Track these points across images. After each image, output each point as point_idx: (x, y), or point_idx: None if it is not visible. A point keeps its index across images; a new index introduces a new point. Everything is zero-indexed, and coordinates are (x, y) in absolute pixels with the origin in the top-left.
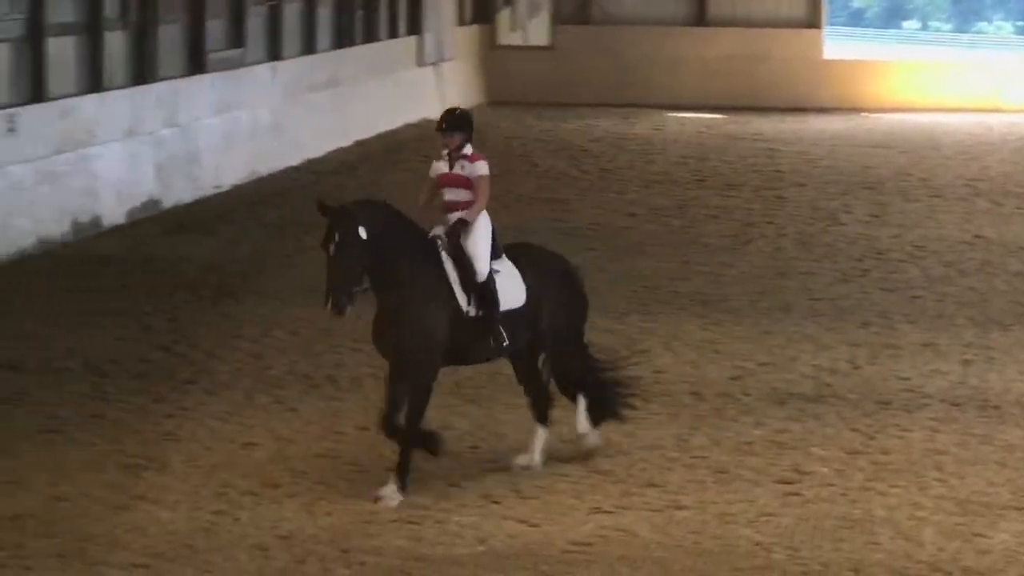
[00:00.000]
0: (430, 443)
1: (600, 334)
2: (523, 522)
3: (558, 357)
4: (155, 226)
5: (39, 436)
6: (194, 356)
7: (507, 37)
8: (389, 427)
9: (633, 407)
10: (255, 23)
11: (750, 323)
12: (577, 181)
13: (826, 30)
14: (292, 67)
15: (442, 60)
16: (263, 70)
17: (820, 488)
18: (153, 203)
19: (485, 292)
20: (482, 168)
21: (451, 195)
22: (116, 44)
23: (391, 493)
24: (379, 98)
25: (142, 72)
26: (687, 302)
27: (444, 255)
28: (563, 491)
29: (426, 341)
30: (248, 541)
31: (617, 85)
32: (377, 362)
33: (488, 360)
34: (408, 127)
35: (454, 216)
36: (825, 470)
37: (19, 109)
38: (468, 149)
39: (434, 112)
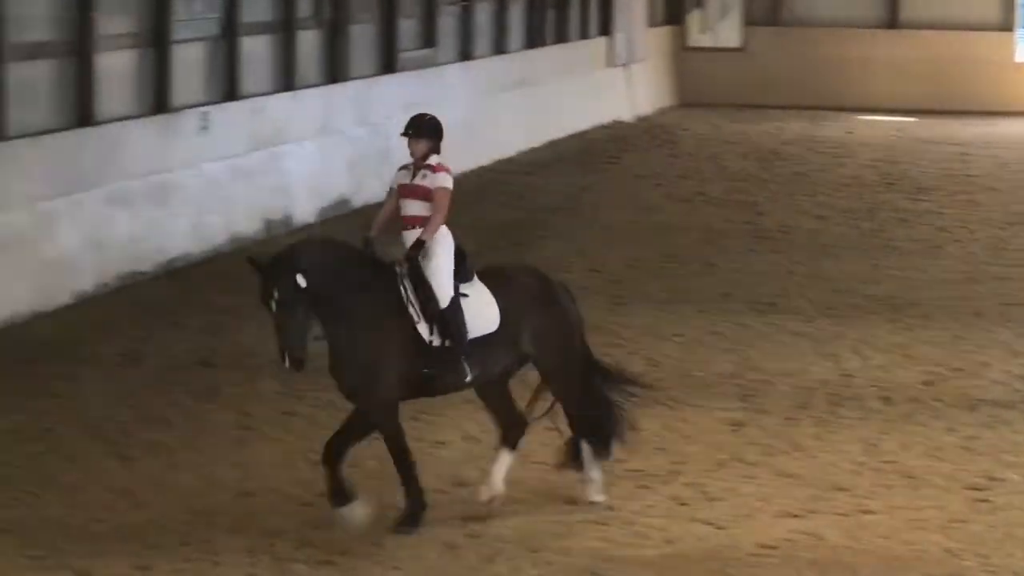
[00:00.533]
0: (417, 506)
1: (790, 336)
2: (710, 524)
3: (552, 384)
4: (345, 225)
5: (231, 432)
6: None
7: (697, 39)
8: (326, 453)
9: (632, 429)
10: (447, 23)
11: (941, 328)
12: (767, 183)
13: (1019, 33)
14: (483, 67)
15: (632, 61)
16: (454, 70)
17: (1011, 495)
18: (344, 202)
19: (449, 319)
20: (444, 180)
21: (410, 208)
22: (309, 43)
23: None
24: (570, 98)
25: (334, 71)
26: (877, 306)
27: (403, 282)
28: (750, 494)
29: (377, 380)
30: (437, 539)
31: (807, 87)
32: None
33: (459, 389)
34: (598, 128)
35: (412, 234)
36: (1016, 477)
37: (213, 107)
38: (434, 159)
39: (625, 113)
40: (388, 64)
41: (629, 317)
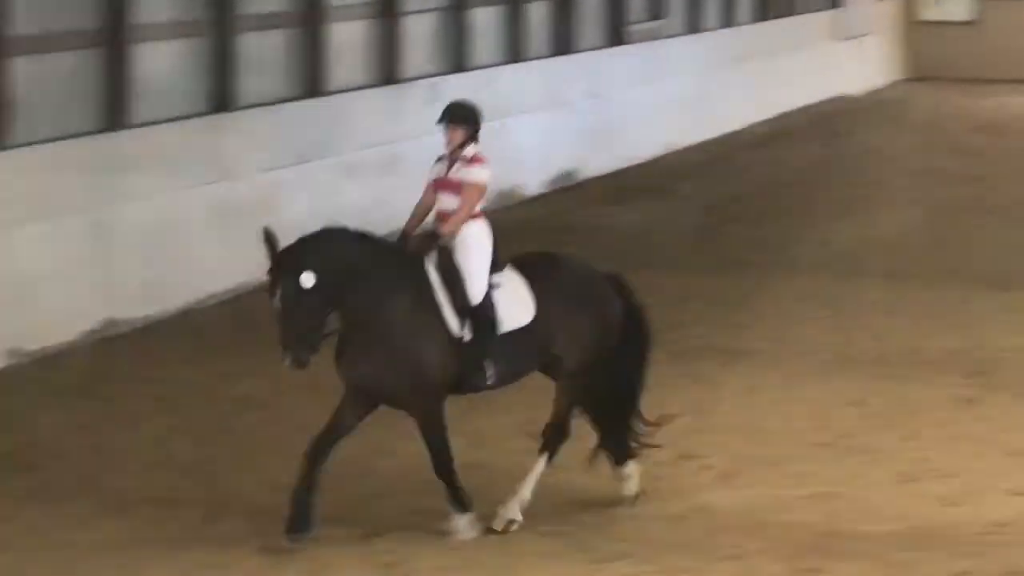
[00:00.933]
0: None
1: (1021, 312)
2: (940, 500)
3: (569, 384)
4: (572, 197)
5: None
6: None
7: (927, 12)
8: (311, 450)
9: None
10: None
11: None
12: (997, 158)
13: None
14: (712, 40)
15: (860, 35)
16: (682, 42)
17: None
18: (571, 173)
19: (480, 314)
20: (477, 174)
21: (446, 203)
22: (537, 15)
23: (463, 526)
24: (797, 72)
25: (562, 43)
26: None
27: (431, 275)
28: (980, 471)
29: (419, 376)
30: (663, 513)
31: None
32: (790, 336)
33: (480, 390)
34: (826, 102)
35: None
36: None
37: (442, 78)
38: (470, 149)
39: (853, 87)
40: (616, 36)
41: (857, 291)
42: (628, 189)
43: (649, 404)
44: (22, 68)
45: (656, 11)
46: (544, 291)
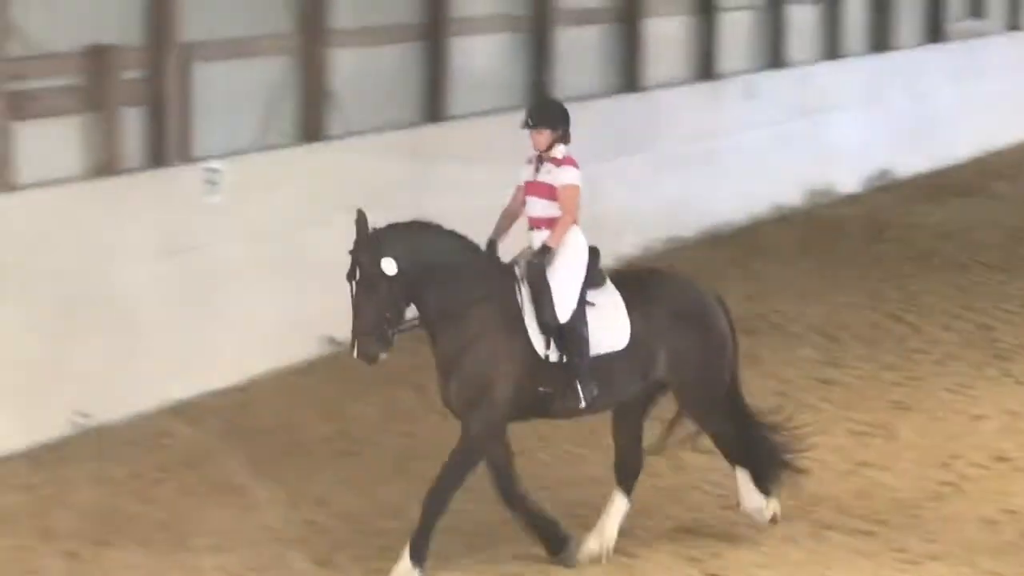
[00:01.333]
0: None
1: None
2: None
3: (696, 416)
4: (888, 195)
5: (768, 398)
6: (923, 325)
7: None
8: (505, 498)
9: (799, 465)
10: None
11: None
12: None
13: None
14: None
15: None
16: (1002, 40)
17: None
18: (886, 172)
19: (569, 334)
20: (569, 175)
21: (535, 208)
22: (855, 13)
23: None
24: None
25: (880, 40)
26: None
27: (521, 287)
28: None
29: (482, 392)
30: (975, 513)
31: None
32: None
33: (575, 416)
34: None
35: (539, 235)
36: None
37: (758, 75)
38: (559, 151)
39: None
40: (935, 34)
41: None
42: (944, 188)
43: (961, 402)
44: (344, 60)
45: (976, 9)
46: (646, 311)
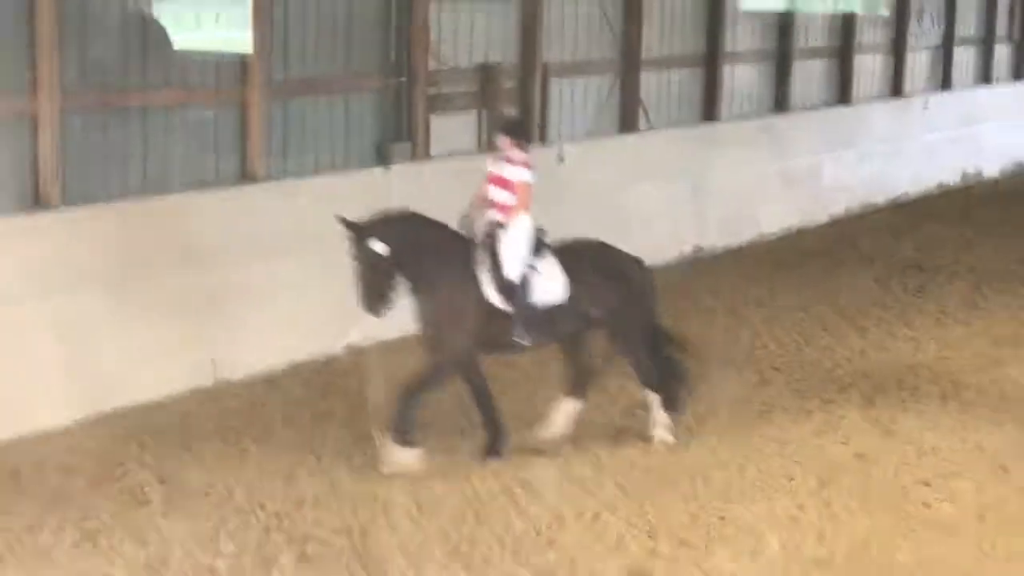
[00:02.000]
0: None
1: None
2: None
3: (618, 347)
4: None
5: (932, 317)
6: None
7: None
8: (480, 405)
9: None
10: None
11: None
12: None
13: None
14: None
15: None
16: None
17: None
18: (1021, 163)
19: (513, 289)
20: (522, 174)
21: (494, 194)
22: (1000, 53)
23: (397, 455)
24: None
25: (1020, 72)
26: None
27: (478, 253)
28: None
29: (453, 323)
30: None
31: None
32: None
33: (523, 350)
34: None
35: (495, 215)
36: None
37: (931, 95)
38: (517, 155)
39: None
40: None
41: None
42: None
43: None
44: (650, 78)
45: None
46: (580, 272)
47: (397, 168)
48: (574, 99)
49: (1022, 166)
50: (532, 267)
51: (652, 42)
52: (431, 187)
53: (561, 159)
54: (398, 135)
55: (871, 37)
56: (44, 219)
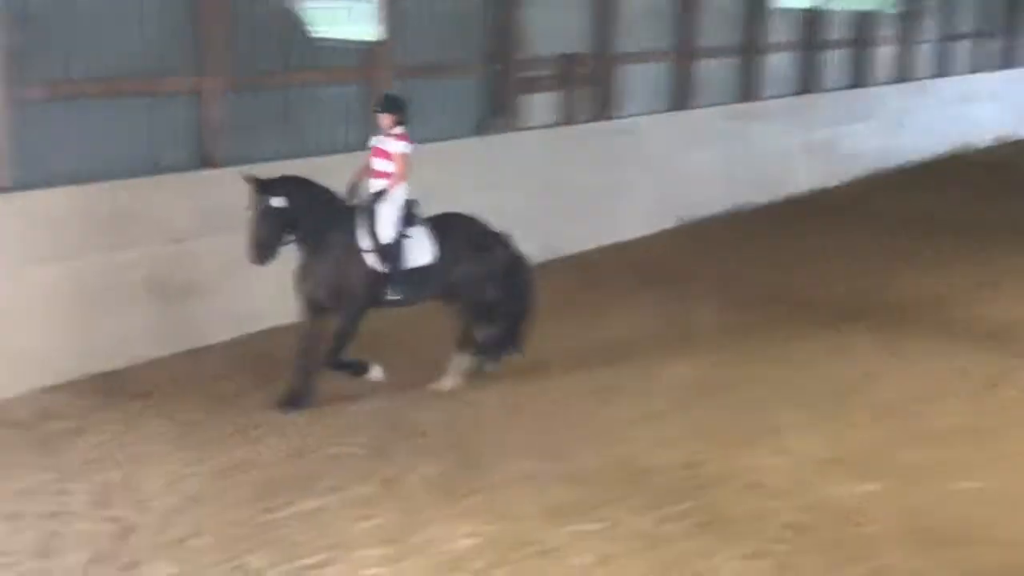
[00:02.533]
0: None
1: None
2: None
3: (465, 303)
4: (1011, 147)
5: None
6: None
7: None
8: (324, 361)
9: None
10: None
11: None
12: None
13: None
14: None
15: None
16: None
17: None
18: (1009, 135)
19: (387, 251)
20: (401, 147)
21: (376, 164)
22: (992, 45)
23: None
24: None
25: (1008, 61)
26: None
27: (358, 219)
28: None
29: (348, 283)
30: None
31: None
32: None
33: (397, 305)
34: None
35: (376, 183)
36: None
37: (934, 80)
38: (398, 129)
39: None
40: None
41: None
42: None
43: None
44: (702, 64)
45: None
46: (447, 239)
47: (493, 138)
48: (638, 83)
49: (1006, 140)
50: (404, 233)
51: (704, 34)
52: (520, 153)
53: (629, 133)
54: (494, 111)
55: (883, 31)
56: (212, 175)
